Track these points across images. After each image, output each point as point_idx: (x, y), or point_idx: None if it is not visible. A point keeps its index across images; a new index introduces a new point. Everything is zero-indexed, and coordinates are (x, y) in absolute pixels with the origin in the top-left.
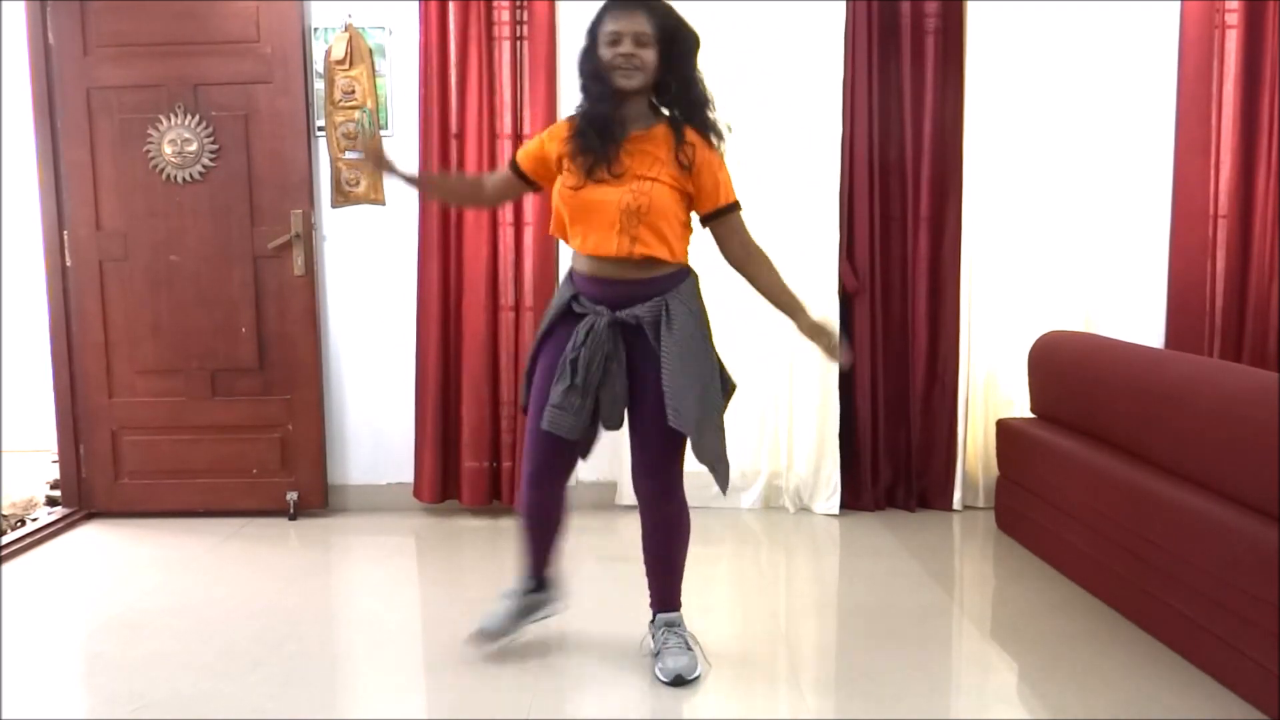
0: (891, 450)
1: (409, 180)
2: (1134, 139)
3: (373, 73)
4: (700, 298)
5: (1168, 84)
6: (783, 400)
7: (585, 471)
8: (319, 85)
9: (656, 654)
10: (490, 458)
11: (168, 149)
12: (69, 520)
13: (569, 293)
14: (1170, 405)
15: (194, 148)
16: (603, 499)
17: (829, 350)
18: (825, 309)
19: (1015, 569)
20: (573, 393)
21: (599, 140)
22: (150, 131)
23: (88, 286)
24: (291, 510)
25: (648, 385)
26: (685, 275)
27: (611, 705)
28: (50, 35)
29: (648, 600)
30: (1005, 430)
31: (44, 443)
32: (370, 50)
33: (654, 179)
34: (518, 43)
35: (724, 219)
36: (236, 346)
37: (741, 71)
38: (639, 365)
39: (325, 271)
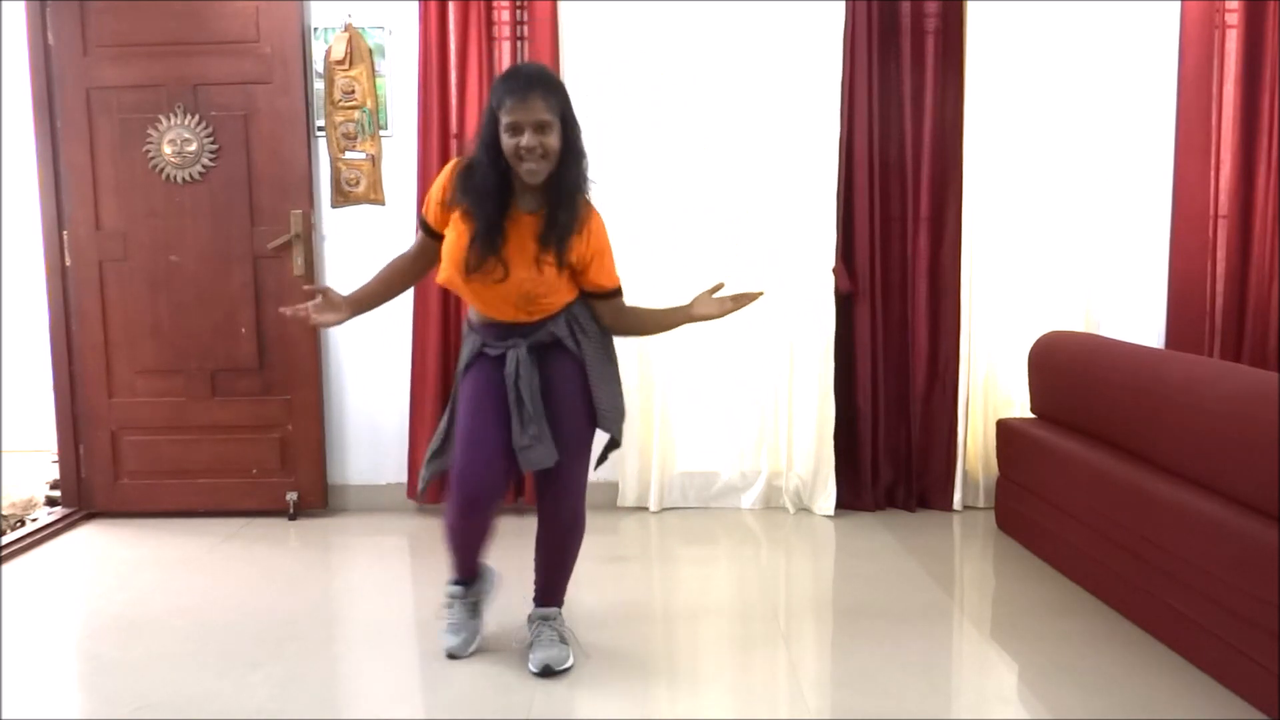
0: (891, 450)
1: (355, 311)
2: (1134, 139)
3: (373, 73)
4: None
5: (1168, 84)
6: (782, 401)
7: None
8: (319, 85)
9: (530, 646)
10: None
11: (167, 149)
12: (69, 520)
13: (478, 342)
14: (1170, 405)
15: (194, 148)
16: (604, 500)
17: (734, 303)
18: (824, 310)
19: (1015, 569)
20: (530, 423)
21: (491, 236)
22: (150, 131)
23: (88, 286)
24: (291, 510)
25: (563, 392)
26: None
27: (611, 705)
28: (50, 35)
29: (531, 594)
30: (1005, 430)
31: (44, 443)
32: (370, 50)
33: (549, 264)
34: (518, 43)
35: (605, 300)
36: (236, 346)
37: (741, 72)
38: (553, 375)
39: (325, 271)
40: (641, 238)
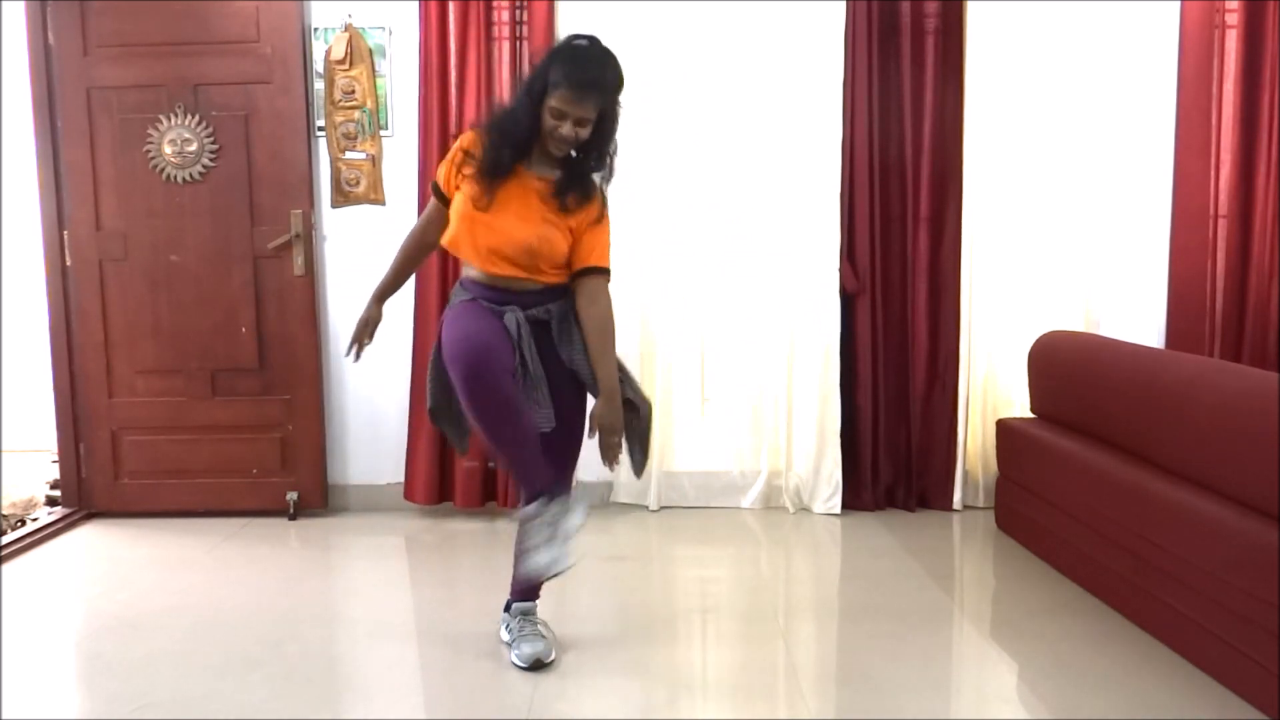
0: (892, 450)
1: (387, 295)
2: (1134, 139)
3: (373, 73)
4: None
5: (1168, 84)
6: (782, 400)
7: (584, 472)
8: (319, 85)
9: (512, 642)
10: (486, 458)
11: (168, 149)
12: (69, 520)
13: (468, 296)
14: (1170, 405)
15: (194, 148)
16: (603, 498)
17: (605, 448)
18: (826, 309)
19: (1015, 569)
20: (534, 387)
21: (496, 171)
22: (150, 131)
23: (88, 286)
24: (291, 510)
25: (552, 371)
26: (566, 289)
27: (611, 705)
28: (50, 35)
29: (509, 590)
30: (1005, 430)
31: (44, 443)
32: (370, 50)
33: (555, 225)
34: (517, 43)
35: (589, 277)
36: (236, 346)
37: (742, 72)
38: (544, 354)
39: (325, 271)
40: (645, 238)
